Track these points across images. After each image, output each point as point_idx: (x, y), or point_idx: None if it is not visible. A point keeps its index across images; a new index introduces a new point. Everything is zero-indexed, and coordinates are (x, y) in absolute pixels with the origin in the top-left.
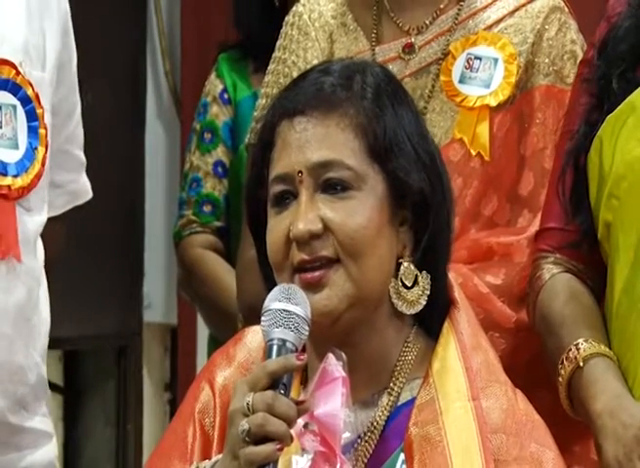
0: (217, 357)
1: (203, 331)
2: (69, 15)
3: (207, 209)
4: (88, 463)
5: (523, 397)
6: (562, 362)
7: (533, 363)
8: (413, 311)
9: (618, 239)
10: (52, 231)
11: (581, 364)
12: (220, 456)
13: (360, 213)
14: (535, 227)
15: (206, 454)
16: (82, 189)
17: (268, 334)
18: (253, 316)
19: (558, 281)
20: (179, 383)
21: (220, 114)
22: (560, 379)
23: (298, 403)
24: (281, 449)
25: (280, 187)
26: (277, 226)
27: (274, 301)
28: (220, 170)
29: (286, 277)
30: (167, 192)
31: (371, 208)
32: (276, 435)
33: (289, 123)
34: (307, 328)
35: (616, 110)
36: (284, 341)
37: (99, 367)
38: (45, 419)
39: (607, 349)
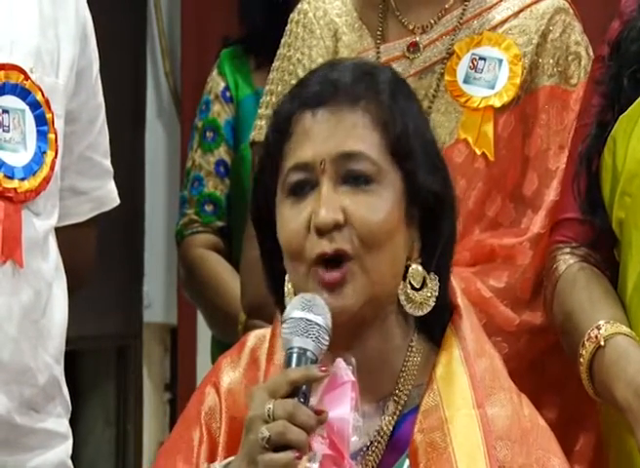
0: (221, 362)
1: (203, 331)
2: (90, 21)
3: (209, 208)
4: (88, 463)
5: (528, 402)
6: (583, 344)
7: (536, 366)
8: (421, 313)
9: (630, 236)
10: (81, 237)
11: (602, 343)
12: (232, 459)
13: (381, 207)
14: (536, 228)
15: (212, 458)
16: (108, 196)
17: (289, 343)
18: (255, 315)
19: (575, 270)
20: (179, 383)
21: (221, 112)
22: (581, 360)
23: (317, 412)
24: (299, 458)
25: (298, 176)
26: (296, 215)
27: (296, 310)
28: (221, 169)
29: (303, 269)
30: (167, 192)
31: (391, 203)
32: (296, 443)
33: (310, 114)
34: (328, 338)
35: (628, 110)
36: (304, 350)
37: (99, 367)
38: (59, 420)
39: (628, 329)
